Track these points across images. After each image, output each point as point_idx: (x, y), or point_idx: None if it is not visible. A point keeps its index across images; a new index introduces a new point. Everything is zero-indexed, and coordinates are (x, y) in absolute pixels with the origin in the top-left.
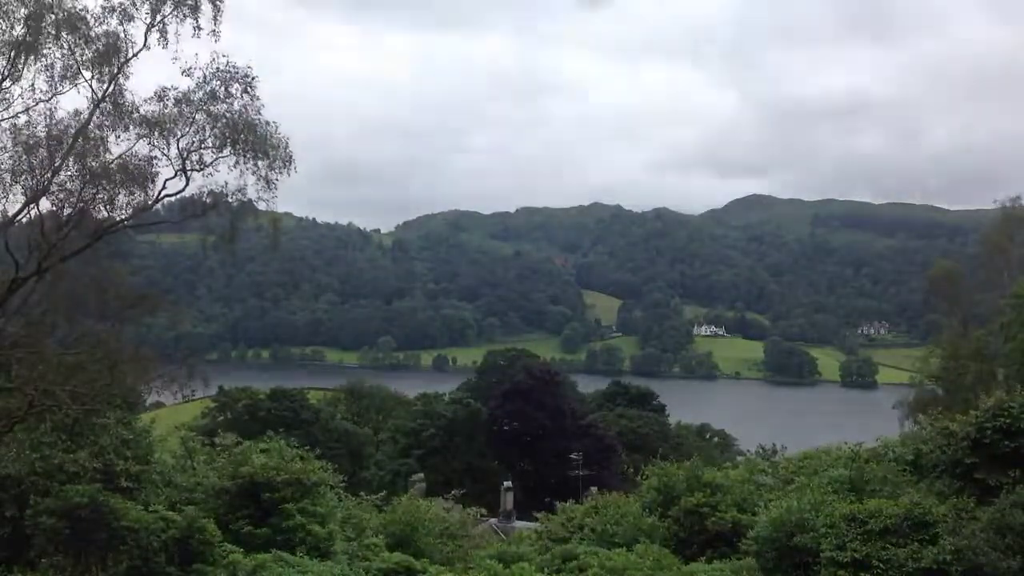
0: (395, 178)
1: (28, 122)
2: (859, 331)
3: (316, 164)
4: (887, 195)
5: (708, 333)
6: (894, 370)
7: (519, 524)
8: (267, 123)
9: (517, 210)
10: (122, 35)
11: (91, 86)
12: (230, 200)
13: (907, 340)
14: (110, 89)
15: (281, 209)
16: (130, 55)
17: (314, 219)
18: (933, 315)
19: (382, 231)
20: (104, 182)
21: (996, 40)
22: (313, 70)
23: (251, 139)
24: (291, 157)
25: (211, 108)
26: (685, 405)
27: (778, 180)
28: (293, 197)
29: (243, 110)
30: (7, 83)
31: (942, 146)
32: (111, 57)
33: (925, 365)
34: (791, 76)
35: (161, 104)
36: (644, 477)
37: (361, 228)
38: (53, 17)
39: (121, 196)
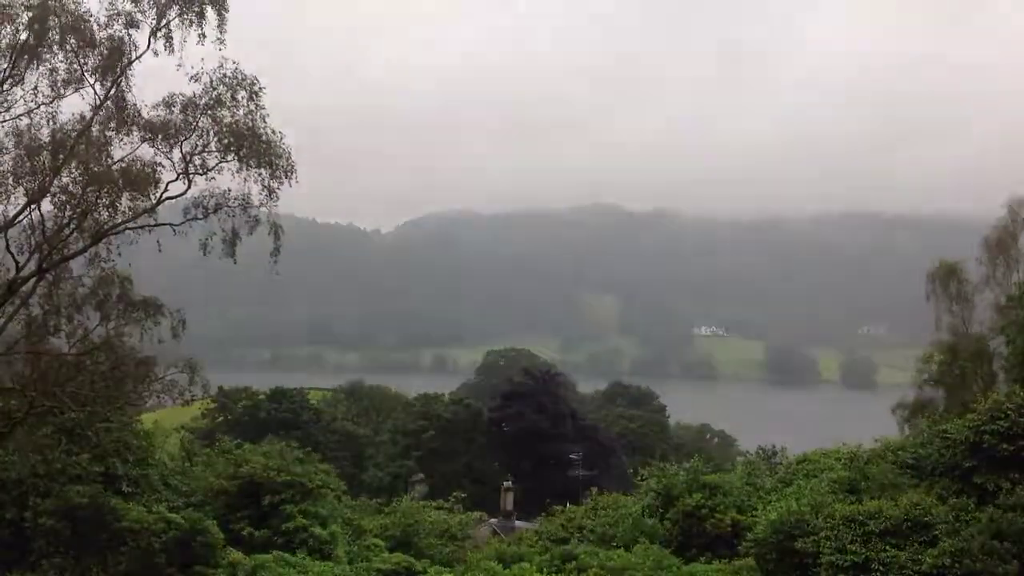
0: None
1: (30, 125)
2: (859, 331)
3: (316, 163)
4: (887, 195)
5: (708, 333)
6: (895, 370)
7: (519, 524)
8: (272, 132)
9: (517, 210)
10: (127, 40)
11: (94, 90)
12: (232, 205)
13: (908, 340)
14: (113, 93)
15: (281, 209)
16: (133, 59)
17: (315, 219)
18: (934, 315)
19: (382, 231)
20: (106, 185)
21: None
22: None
23: (256, 147)
24: (293, 167)
25: (216, 113)
26: (685, 405)
27: (779, 180)
28: (293, 197)
29: (247, 117)
30: (7, 84)
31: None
32: (115, 62)
33: (924, 366)
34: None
35: (166, 109)
36: (642, 479)
37: (361, 228)
38: (57, 20)
39: (124, 199)
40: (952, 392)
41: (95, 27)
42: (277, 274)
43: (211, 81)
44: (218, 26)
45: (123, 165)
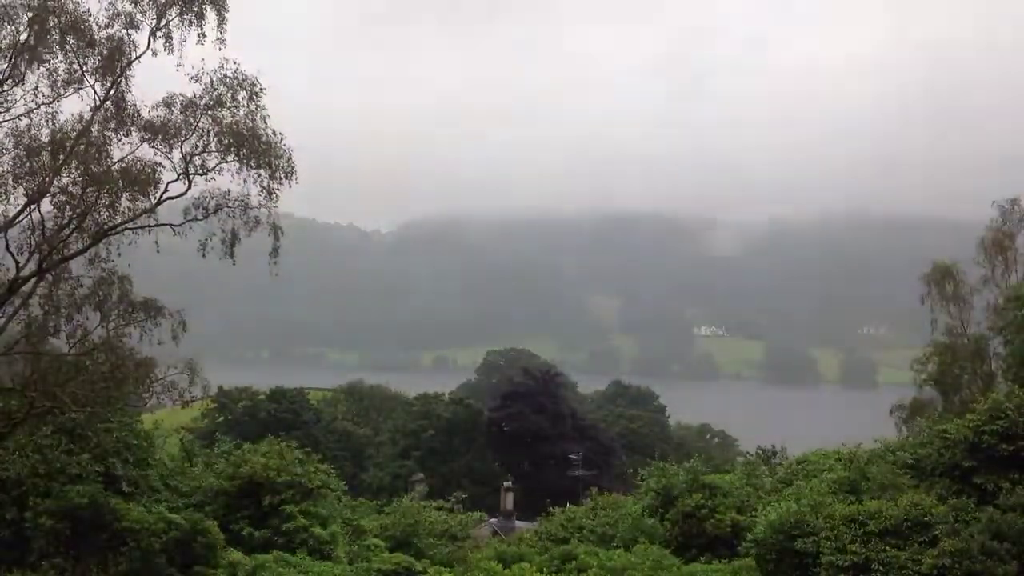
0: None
1: (30, 125)
2: (860, 331)
3: (317, 164)
4: (886, 196)
5: (708, 333)
6: (894, 370)
7: (519, 524)
8: (272, 132)
9: (517, 210)
10: (126, 40)
11: (94, 90)
12: (232, 206)
13: (908, 340)
14: (113, 93)
15: (281, 209)
16: (133, 59)
17: (314, 219)
18: (931, 315)
19: (382, 231)
20: (106, 186)
21: None
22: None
23: (256, 148)
24: (293, 168)
25: (216, 114)
26: (685, 405)
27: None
28: (294, 197)
29: (247, 118)
30: (7, 84)
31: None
32: (115, 62)
33: (923, 367)
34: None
35: (166, 109)
36: (642, 479)
37: (361, 228)
38: (57, 21)
39: (123, 200)
40: (950, 393)
41: (95, 27)
42: (277, 275)
43: (211, 81)
44: (218, 26)
45: (123, 165)
